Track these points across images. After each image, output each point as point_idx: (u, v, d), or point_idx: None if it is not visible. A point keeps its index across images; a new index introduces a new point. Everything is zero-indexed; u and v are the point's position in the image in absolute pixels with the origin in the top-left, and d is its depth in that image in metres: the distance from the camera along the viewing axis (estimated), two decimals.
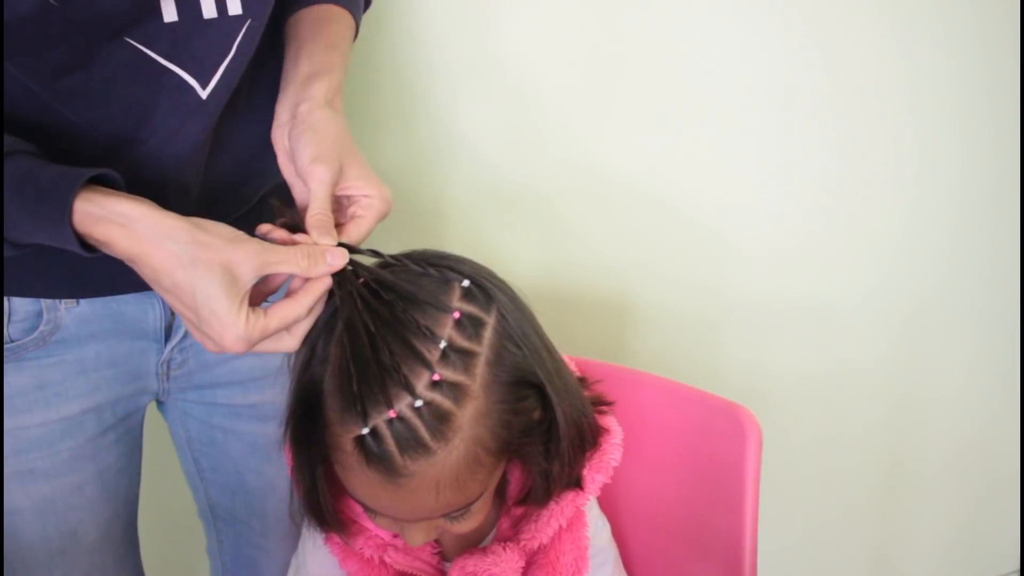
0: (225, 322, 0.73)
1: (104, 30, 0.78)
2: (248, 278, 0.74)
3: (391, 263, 0.81)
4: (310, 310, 0.77)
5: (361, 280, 0.78)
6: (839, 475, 1.71)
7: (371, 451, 0.75)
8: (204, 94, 0.84)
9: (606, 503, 0.98)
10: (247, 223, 0.81)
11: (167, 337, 0.97)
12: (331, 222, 0.79)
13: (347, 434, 0.75)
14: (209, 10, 0.82)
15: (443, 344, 0.76)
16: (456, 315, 0.77)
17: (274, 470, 1.06)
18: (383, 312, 0.77)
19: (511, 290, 0.83)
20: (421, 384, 0.75)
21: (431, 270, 0.80)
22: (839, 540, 1.76)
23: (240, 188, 0.95)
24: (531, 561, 0.90)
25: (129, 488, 1.03)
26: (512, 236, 1.39)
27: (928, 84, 1.50)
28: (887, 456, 1.73)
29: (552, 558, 0.88)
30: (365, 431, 0.74)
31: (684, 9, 1.36)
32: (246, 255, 0.73)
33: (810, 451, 1.65)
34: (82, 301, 0.91)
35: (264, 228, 0.80)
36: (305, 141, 0.83)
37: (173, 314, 0.95)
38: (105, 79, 0.80)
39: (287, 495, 1.03)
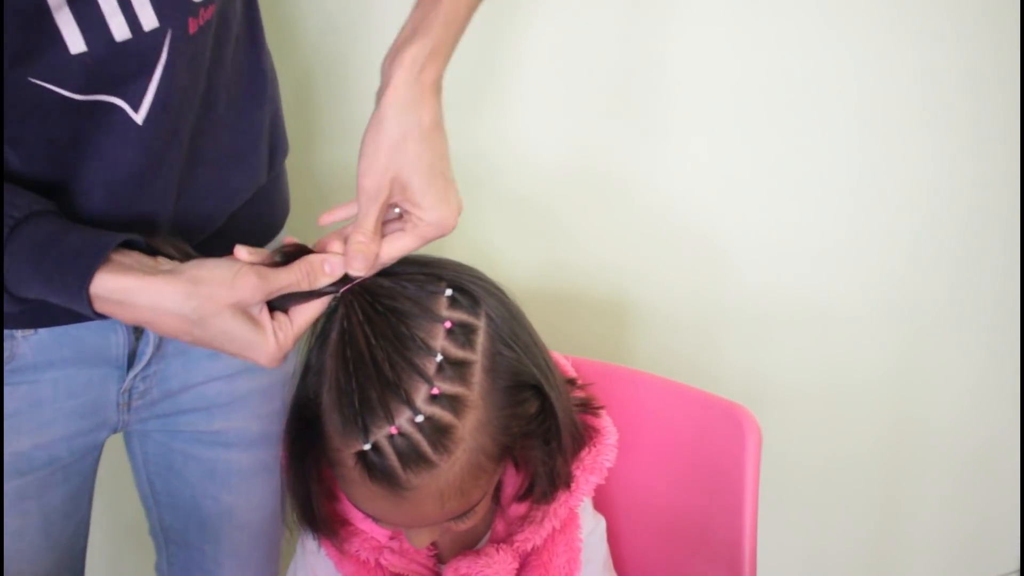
0: (257, 348, 0.74)
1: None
2: (256, 306, 0.74)
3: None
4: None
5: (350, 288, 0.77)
6: (839, 478, 1.70)
7: (373, 466, 0.75)
8: (139, 118, 0.76)
9: (604, 503, 0.98)
10: (219, 245, 0.78)
11: (130, 364, 0.89)
12: (369, 250, 0.76)
13: (348, 449, 0.75)
14: (121, 31, 0.72)
15: (439, 357, 0.75)
16: (448, 325, 0.77)
17: (232, 497, 1.00)
18: (381, 324, 0.76)
19: (497, 288, 0.82)
20: (420, 398, 0.74)
21: (415, 277, 0.79)
22: (839, 542, 1.75)
23: (215, 213, 0.88)
24: (524, 563, 0.90)
25: (75, 537, 0.96)
26: (511, 238, 1.39)
27: (935, 89, 1.48)
28: (888, 459, 1.72)
29: (545, 560, 0.88)
30: (367, 447, 0.74)
31: (684, 11, 1.35)
32: (249, 292, 0.72)
33: (810, 453, 1.64)
34: (41, 329, 0.84)
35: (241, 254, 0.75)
36: (365, 142, 0.75)
37: (138, 340, 0.88)
38: (19, 120, 0.73)
39: (244, 523, 1.01)
